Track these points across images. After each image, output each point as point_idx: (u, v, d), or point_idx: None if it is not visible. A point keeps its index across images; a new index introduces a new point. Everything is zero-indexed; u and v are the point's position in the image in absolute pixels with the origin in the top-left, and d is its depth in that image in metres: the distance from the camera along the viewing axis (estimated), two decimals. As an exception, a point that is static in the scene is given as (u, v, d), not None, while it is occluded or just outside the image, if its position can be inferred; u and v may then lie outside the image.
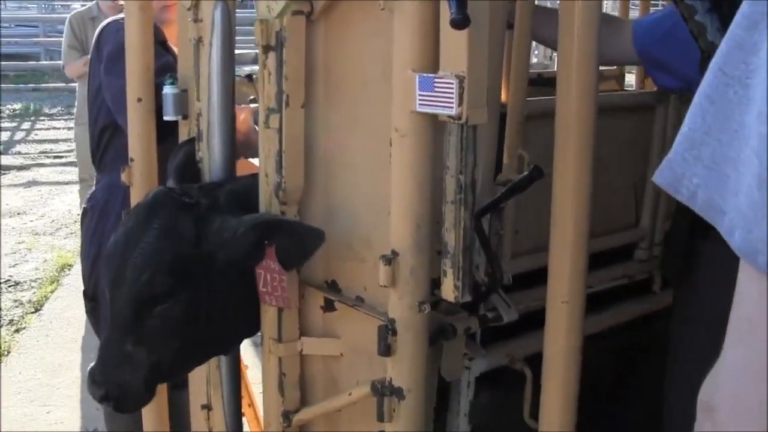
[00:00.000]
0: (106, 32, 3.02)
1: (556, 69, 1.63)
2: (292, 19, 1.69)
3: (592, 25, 1.50)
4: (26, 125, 12.53)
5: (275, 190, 1.76)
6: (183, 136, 2.21)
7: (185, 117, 2.18)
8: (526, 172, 1.84)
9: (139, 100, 2.29)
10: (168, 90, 2.18)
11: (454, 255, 1.42)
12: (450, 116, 1.37)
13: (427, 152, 1.46)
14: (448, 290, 1.44)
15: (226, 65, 1.96)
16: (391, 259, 1.49)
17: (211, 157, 2.00)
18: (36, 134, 12.00)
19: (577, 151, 1.55)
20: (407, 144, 1.45)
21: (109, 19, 3.11)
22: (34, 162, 10.21)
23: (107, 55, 2.94)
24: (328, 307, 1.81)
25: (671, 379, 2.13)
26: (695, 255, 2.01)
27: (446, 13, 1.30)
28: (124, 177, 2.33)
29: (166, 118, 2.20)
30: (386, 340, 1.52)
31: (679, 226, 2.07)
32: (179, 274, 1.72)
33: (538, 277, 2.13)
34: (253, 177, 1.86)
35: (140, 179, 2.33)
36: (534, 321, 1.93)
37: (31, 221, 7.77)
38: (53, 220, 7.80)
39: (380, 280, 1.49)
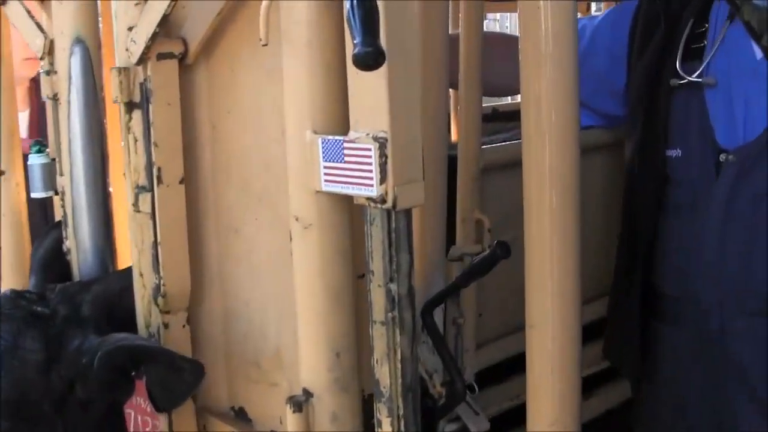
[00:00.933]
0: None
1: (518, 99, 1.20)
2: (159, 64, 1.25)
3: (567, 25, 1.07)
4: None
5: (153, 294, 1.31)
6: (59, 215, 1.76)
7: (57, 193, 1.74)
8: (487, 249, 1.41)
9: (2, 173, 1.84)
10: (34, 160, 1.76)
11: (391, 398, 0.96)
12: (370, 198, 0.92)
13: (341, 248, 1.00)
14: (386, 447, 0.99)
15: (91, 129, 1.50)
16: (301, 402, 1.03)
17: (79, 248, 1.54)
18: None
19: (558, 210, 1.12)
20: (313, 238, 1.00)
21: None
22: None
23: None
24: (238, 442, 1.36)
25: None
26: (650, 339, 1.61)
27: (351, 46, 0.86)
28: (-10, 271, 1.88)
29: (33, 195, 1.79)
30: None
31: (625, 306, 1.69)
32: (21, 412, 1.32)
33: (511, 366, 1.72)
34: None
35: (12, 274, 1.87)
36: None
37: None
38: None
39: (288, 434, 1.04)
